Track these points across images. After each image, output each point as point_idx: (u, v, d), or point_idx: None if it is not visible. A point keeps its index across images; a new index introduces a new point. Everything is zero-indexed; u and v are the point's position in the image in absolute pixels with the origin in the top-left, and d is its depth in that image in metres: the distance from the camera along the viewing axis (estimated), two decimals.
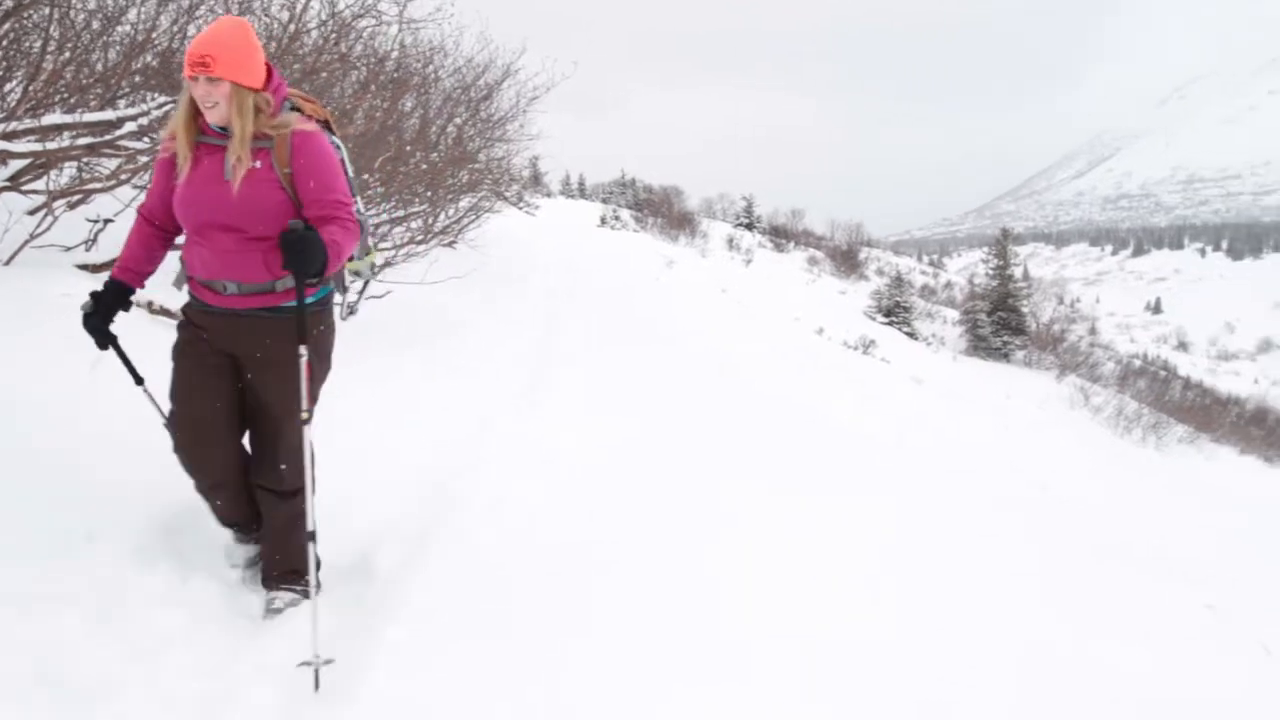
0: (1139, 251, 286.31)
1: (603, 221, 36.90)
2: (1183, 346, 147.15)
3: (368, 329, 7.05)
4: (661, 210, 45.08)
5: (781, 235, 52.81)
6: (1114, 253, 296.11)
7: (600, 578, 4.21)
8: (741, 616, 4.13)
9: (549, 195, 48.23)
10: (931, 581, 5.49)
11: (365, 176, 9.04)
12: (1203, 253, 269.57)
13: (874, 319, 33.20)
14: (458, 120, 13.41)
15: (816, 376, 15.23)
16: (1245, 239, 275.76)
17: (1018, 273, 42.10)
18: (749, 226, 50.98)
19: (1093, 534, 9.35)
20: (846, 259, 49.28)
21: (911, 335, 33.66)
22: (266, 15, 7.63)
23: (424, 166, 10.95)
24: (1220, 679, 5.24)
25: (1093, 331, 74.80)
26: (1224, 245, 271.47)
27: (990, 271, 39.02)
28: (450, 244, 14.63)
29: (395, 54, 10.35)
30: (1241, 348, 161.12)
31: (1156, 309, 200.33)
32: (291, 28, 7.38)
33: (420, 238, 11.74)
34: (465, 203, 14.75)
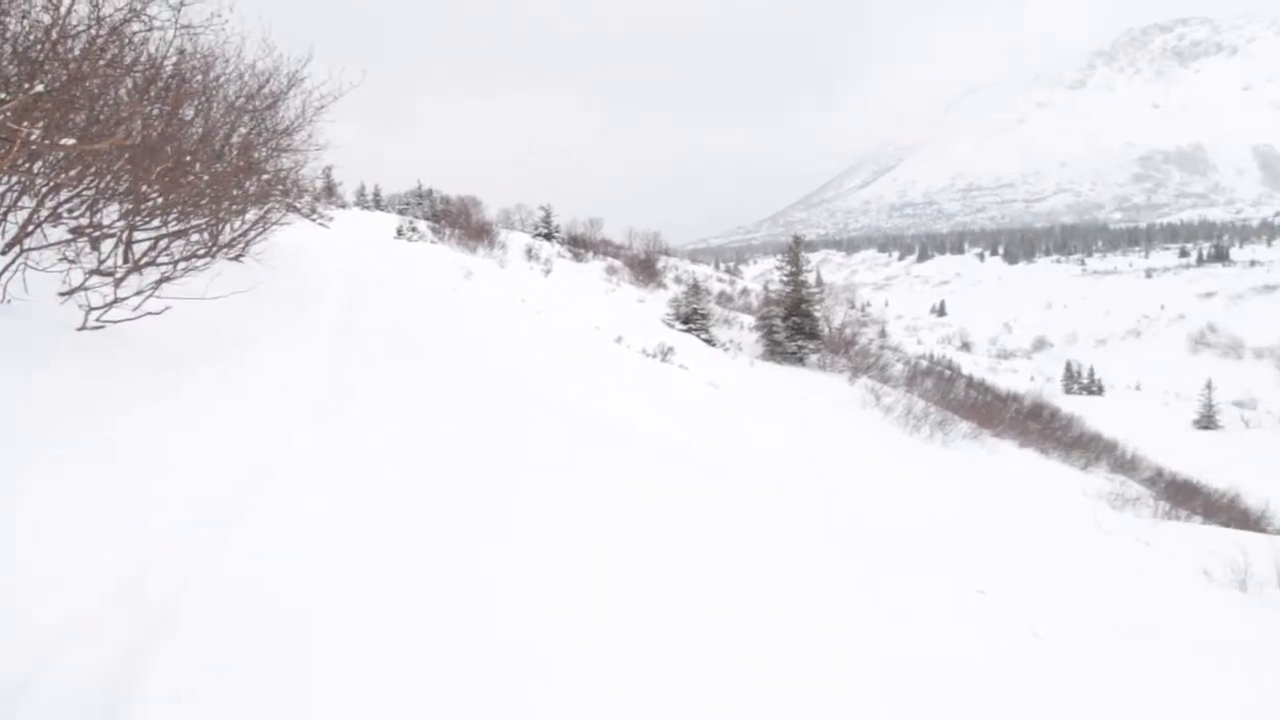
0: (924, 257, 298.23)
1: (399, 233, 36.31)
2: (966, 347, 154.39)
3: (141, 346, 6.76)
4: (459, 221, 44.65)
5: (580, 245, 53.05)
6: (901, 258, 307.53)
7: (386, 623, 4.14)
8: (527, 615, 4.14)
9: (344, 207, 47.26)
10: (718, 570, 5.60)
11: (144, 188, 8.68)
12: (982, 257, 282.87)
13: (672, 326, 33.64)
14: (242, 130, 13.02)
15: (614, 384, 15.33)
16: (1019, 244, 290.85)
17: (811, 279, 43.31)
18: (548, 236, 51.09)
19: (879, 526, 9.67)
20: (645, 268, 49.81)
21: (709, 342, 34.22)
22: (26, 19, 7.22)
23: (206, 177, 10.57)
24: (990, 662, 5.49)
25: (883, 334, 77.64)
26: (1000, 250, 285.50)
27: (784, 278, 39.97)
28: (237, 258, 14.16)
29: (172, 61, 9.96)
30: (1019, 346, 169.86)
31: (941, 311, 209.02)
32: (54, 32, 7.01)
33: (203, 251, 11.33)
34: (253, 215, 14.32)
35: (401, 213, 50.18)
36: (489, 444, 8.16)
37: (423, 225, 41.53)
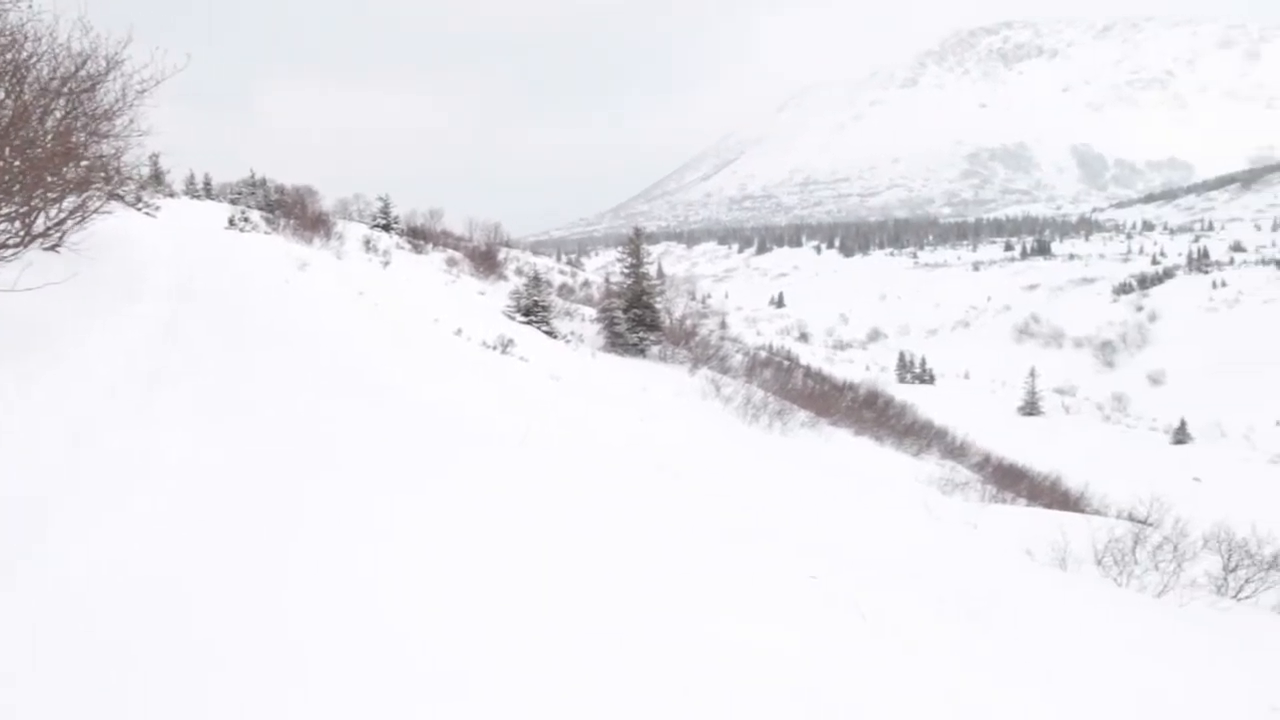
0: (763, 249, 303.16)
1: (231, 223, 35.19)
2: (804, 337, 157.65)
3: None
4: (295, 211, 43.48)
5: (420, 236, 52.25)
6: (740, 250, 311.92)
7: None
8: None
9: (172, 195, 45.61)
10: (561, 560, 5.57)
11: None
12: (819, 250, 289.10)
13: (513, 318, 33.45)
14: (57, 114, 12.41)
15: (451, 377, 15.15)
16: (855, 237, 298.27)
17: (652, 271, 43.53)
18: (386, 228, 50.16)
19: (718, 514, 9.76)
20: (486, 259, 49.41)
21: (551, 334, 34.15)
22: None
23: (18, 163, 10.04)
24: (816, 645, 5.59)
25: (723, 325, 78.63)
26: (837, 243, 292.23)
27: (625, 270, 40.14)
28: (53, 248, 13.51)
29: None
30: (855, 337, 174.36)
31: (780, 303, 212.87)
32: None
33: (14, 240, 10.77)
34: (70, 202, 13.67)
35: (234, 202, 48.68)
36: (315, 439, 7.97)
37: (256, 215, 40.34)
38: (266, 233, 36.18)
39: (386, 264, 37.70)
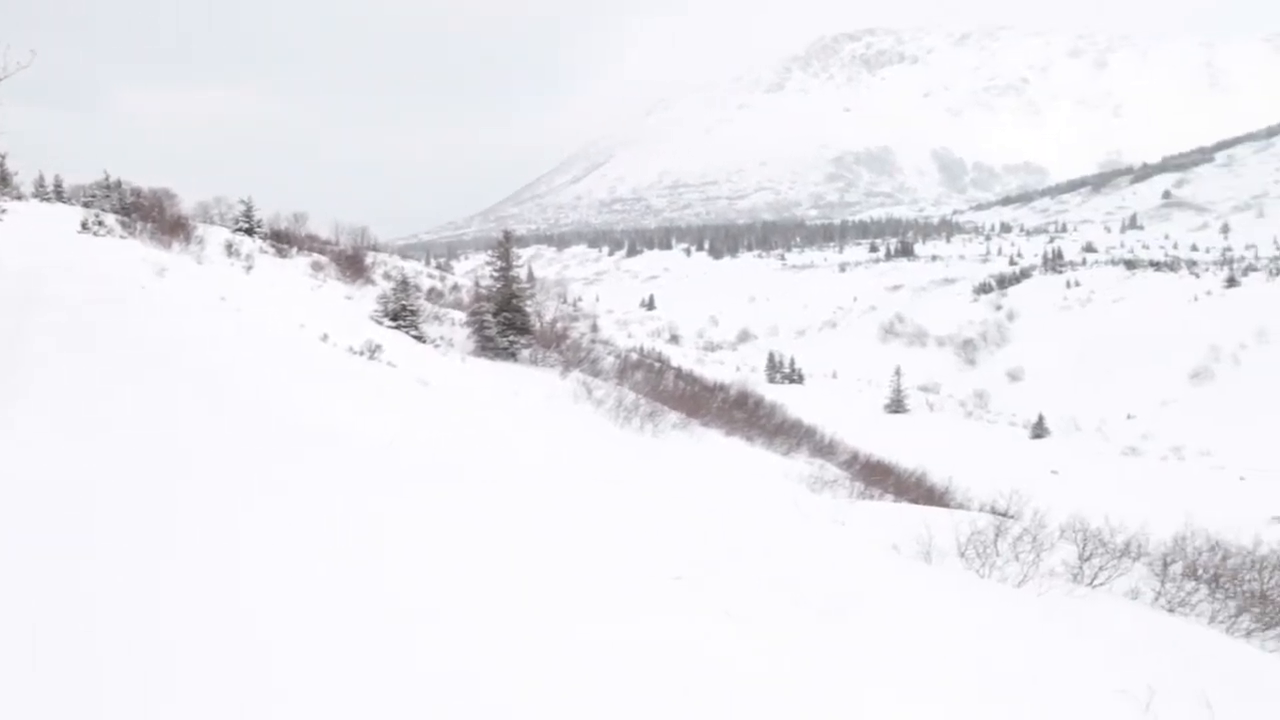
0: (633, 252, 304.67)
1: (85, 226, 34.00)
2: (675, 339, 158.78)
3: None
4: (152, 215, 42.22)
5: (285, 240, 51.10)
6: (611, 253, 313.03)
7: None
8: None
9: (20, 198, 43.89)
10: (421, 561, 5.49)
11: None
12: (688, 252, 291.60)
13: (381, 323, 32.93)
14: None
15: (317, 383, 14.84)
16: (724, 239, 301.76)
17: (522, 274, 43.33)
18: (249, 232, 48.96)
19: (588, 517, 9.72)
20: (353, 264, 48.62)
21: (420, 338, 33.74)
22: None
23: None
24: (681, 644, 5.62)
25: (594, 328, 78.85)
26: (706, 245, 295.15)
27: (495, 273, 39.88)
28: None
29: None
30: (725, 338, 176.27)
31: (651, 305, 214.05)
32: None
33: None
34: None
35: (87, 205, 46.98)
36: (173, 451, 7.71)
37: (111, 219, 39.05)
38: (122, 237, 35.08)
39: (250, 269, 36.85)
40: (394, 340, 29.02)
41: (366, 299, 38.83)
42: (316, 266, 44.98)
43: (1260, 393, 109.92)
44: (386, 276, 49.15)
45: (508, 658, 4.75)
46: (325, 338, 23.73)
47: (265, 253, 44.75)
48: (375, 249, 64.45)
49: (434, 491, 8.65)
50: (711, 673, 5.29)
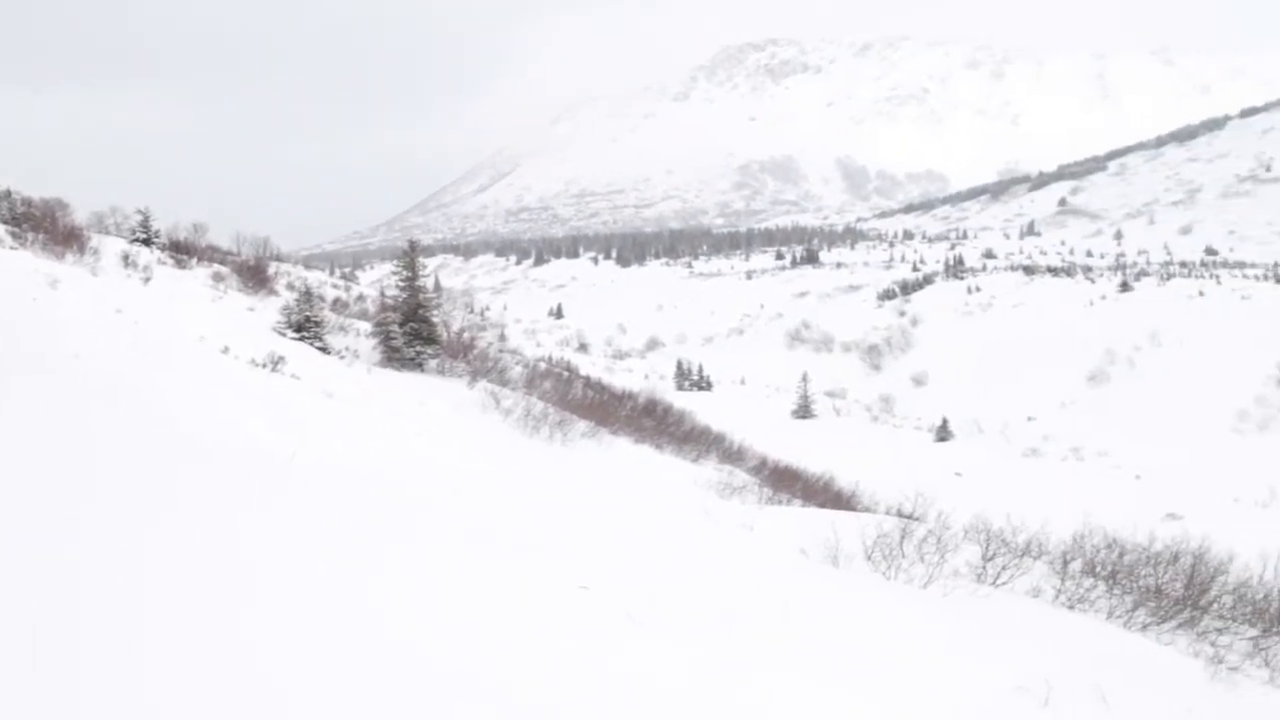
0: (540, 261, 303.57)
1: None
2: (583, 348, 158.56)
3: None
4: (44, 225, 41.07)
5: (184, 251, 49.93)
6: (518, 262, 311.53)
7: None
8: None
9: None
10: (320, 574, 5.42)
11: None
12: (596, 261, 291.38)
13: (284, 335, 32.41)
14: None
15: (218, 396, 14.58)
16: (631, 248, 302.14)
17: (429, 284, 43.02)
18: (147, 242, 47.79)
19: (500, 529, 9.68)
20: (255, 274, 47.72)
21: (324, 350, 33.29)
22: None
23: None
24: (587, 649, 5.63)
25: (503, 337, 78.50)
26: (614, 254, 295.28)
27: (401, 283, 39.49)
28: None
29: None
30: (633, 346, 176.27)
31: (559, 314, 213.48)
32: None
33: None
34: None
35: None
36: (69, 468, 7.52)
37: (0, 229, 37.96)
38: (12, 248, 34.09)
39: (148, 280, 36.05)
40: (298, 352, 28.61)
41: (269, 310, 38.19)
42: (217, 277, 44.13)
43: (1153, 394, 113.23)
44: (290, 287, 48.37)
45: (404, 670, 4.71)
46: (226, 350, 23.32)
47: (164, 264, 43.76)
48: (278, 259, 63.37)
49: (335, 505, 8.54)
50: (612, 677, 5.32)
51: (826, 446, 61.98)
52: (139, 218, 50.50)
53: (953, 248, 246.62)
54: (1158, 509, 48.21)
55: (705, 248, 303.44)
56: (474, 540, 8.53)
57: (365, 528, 7.88)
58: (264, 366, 22.99)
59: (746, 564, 11.31)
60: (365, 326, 41.05)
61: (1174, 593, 14.04)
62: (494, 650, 5.23)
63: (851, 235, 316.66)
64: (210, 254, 52.95)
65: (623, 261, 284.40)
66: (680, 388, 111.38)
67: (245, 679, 4.29)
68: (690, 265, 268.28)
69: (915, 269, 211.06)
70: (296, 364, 25.02)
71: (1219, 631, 12.92)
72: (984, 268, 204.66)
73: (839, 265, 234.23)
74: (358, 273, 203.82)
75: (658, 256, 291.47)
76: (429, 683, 4.66)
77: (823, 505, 27.49)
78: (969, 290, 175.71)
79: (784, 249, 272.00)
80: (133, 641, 4.43)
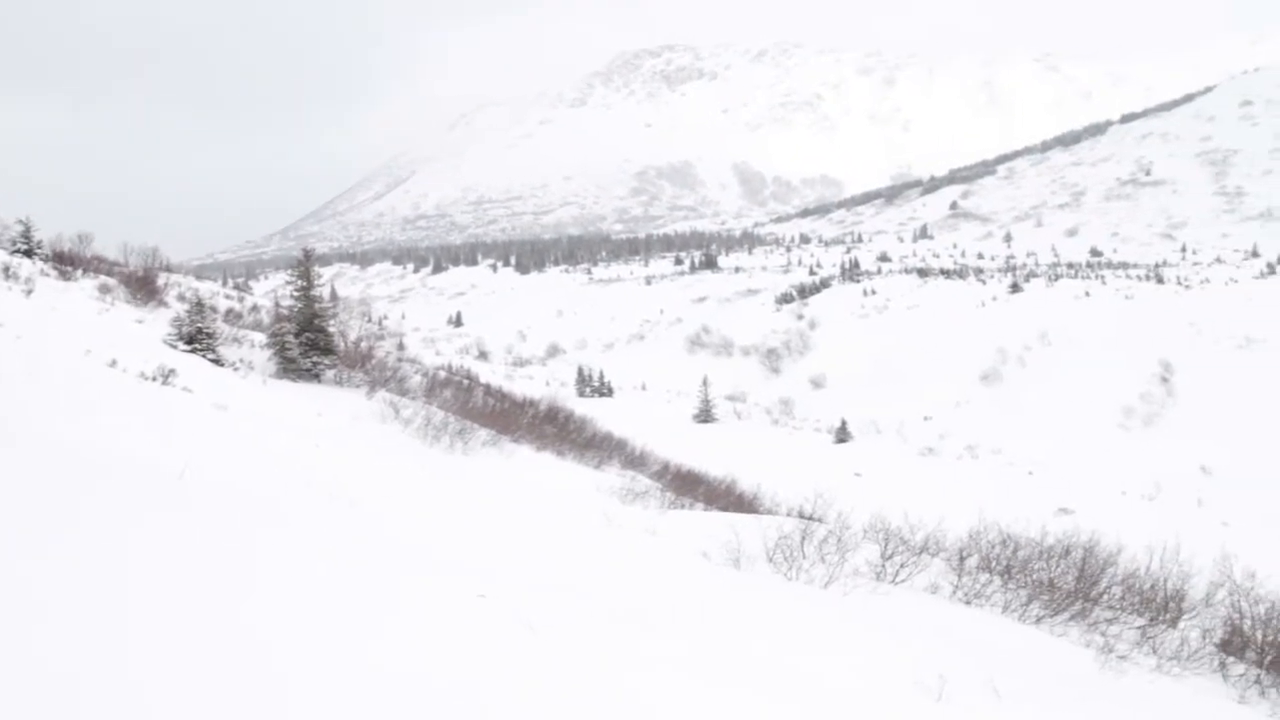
0: (438, 268, 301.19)
1: None
2: (483, 355, 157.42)
3: None
4: None
5: (68, 262, 48.56)
6: (416, 270, 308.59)
7: None
8: None
9: None
10: (208, 593, 5.31)
11: None
12: (495, 268, 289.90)
13: (176, 347, 31.67)
14: None
15: (104, 412, 14.21)
16: (530, 254, 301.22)
17: (324, 293, 42.30)
18: (28, 253, 46.40)
19: (398, 538, 9.58)
20: (144, 285, 46.58)
21: (218, 361, 32.60)
22: None
23: None
24: (483, 656, 5.61)
25: (401, 346, 77.53)
26: (513, 261, 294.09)
27: (296, 293, 38.83)
28: None
29: None
30: (534, 353, 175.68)
31: (458, 322, 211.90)
32: None
33: None
34: None
35: None
36: None
37: None
38: None
39: (29, 292, 34.98)
40: (190, 364, 27.99)
41: (159, 322, 37.31)
42: (104, 289, 43.00)
43: (1044, 392, 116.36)
44: (181, 298, 47.30)
45: (276, 689, 4.62)
46: (114, 363, 22.73)
47: (47, 275, 42.51)
48: (169, 270, 61.90)
49: (223, 521, 8.36)
50: (508, 682, 5.31)
51: (728, 450, 62.39)
52: (19, 228, 48.96)
53: (849, 251, 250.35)
54: (1050, 504, 49.53)
55: (604, 254, 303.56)
56: (369, 551, 8.42)
57: (251, 542, 7.73)
58: (154, 380, 22.47)
59: (648, 568, 11.33)
60: (260, 338, 40.30)
61: (1066, 586, 14.45)
62: (378, 662, 5.17)
63: (749, 240, 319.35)
64: (97, 265, 51.59)
65: (522, 269, 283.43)
66: (582, 394, 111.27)
67: (110, 687, 4.19)
68: (590, 271, 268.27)
69: (812, 273, 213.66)
70: (189, 377, 24.49)
71: (1109, 622, 13.31)
72: (879, 271, 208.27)
73: (737, 270, 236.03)
74: (252, 283, 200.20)
75: (557, 263, 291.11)
76: (311, 694, 4.58)
77: (725, 509, 27.64)
78: (865, 293, 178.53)
79: (683, 254, 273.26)
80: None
